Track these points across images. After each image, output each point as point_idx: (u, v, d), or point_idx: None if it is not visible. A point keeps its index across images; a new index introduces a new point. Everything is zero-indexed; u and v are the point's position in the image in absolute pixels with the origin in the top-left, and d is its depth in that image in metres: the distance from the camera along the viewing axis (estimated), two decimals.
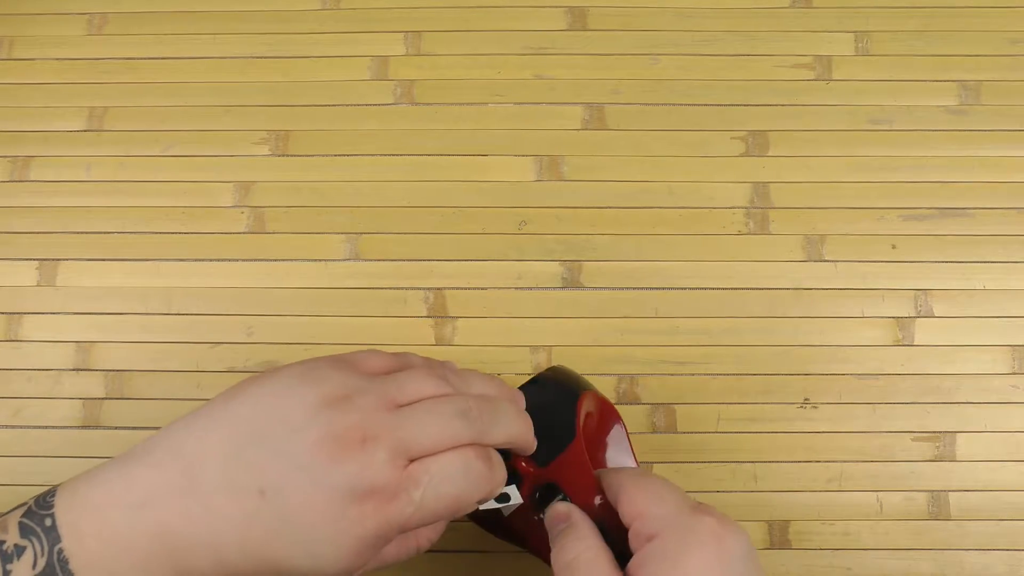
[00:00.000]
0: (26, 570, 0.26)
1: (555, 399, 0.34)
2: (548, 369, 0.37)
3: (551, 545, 0.31)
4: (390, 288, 0.45)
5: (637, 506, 0.29)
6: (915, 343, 0.44)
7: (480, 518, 0.36)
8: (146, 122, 0.47)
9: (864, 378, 0.44)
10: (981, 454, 0.43)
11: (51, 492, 0.28)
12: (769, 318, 0.44)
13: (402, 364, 0.31)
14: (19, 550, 0.26)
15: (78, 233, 0.46)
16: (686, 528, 0.27)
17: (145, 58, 0.49)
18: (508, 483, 0.32)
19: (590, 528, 0.30)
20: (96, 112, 0.48)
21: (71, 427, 0.44)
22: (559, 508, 0.31)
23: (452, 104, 0.48)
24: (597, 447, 0.36)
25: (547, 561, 0.32)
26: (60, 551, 0.26)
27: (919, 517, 0.42)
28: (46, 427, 0.44)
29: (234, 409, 0.28)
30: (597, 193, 0.46)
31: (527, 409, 0.33)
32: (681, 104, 0.47)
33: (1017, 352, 0.44)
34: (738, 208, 0.46)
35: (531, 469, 0.33)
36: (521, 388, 0.35)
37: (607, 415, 0.36)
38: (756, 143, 0.47)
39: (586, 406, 0.34)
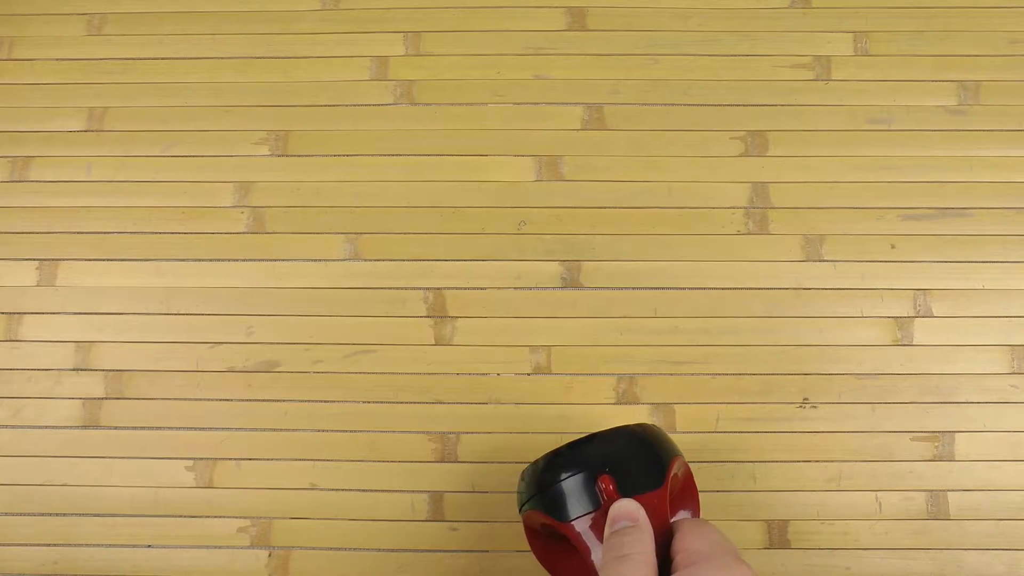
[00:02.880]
0: None
1: (658, 445, 0.34)
2: (651, 426, 0.36)
3: (606, 534, 0.31)
4: (390, 288, 0.45)
5: (687, 541, 0.30)
6: (914, 343, 0.44)
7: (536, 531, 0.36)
8: (146, 122, 0.48)
9: (863, 378, 0.44)
10: (980, 454, 0.43)
11: None
12: (768, 318, 0.44)
13: None
14: None
15: (78, 233, 0.46)
16: (723, 566, 0.29)
17: (145, 58, 0.49)
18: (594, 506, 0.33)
19: (651, 536, 0.31)
20: (96, 112, 0.48)
21: (71, 427, 0.44)
22: (628, 505, 0.32)
23: (452, 104, 0.48)
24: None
25: None
26: None
27: (918, 517, 0.42)
28: (46, 427, 0.44)
29: None
30: (597, 193, 0.46)
31: (634, 439, 0.34)
32: (680, 104, 0.47)
33: (1016, 352, 0.44)
34: (737, 208, 0.46)
35: (613, 494, 0.32)
36: (631, 426, 0.35)
37: (687, 494, 0.36)
38: (755, 143, 0.47)
39: (677, 467, 0.35)
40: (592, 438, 0.34)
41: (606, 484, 0.32)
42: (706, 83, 0.47)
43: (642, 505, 0.32)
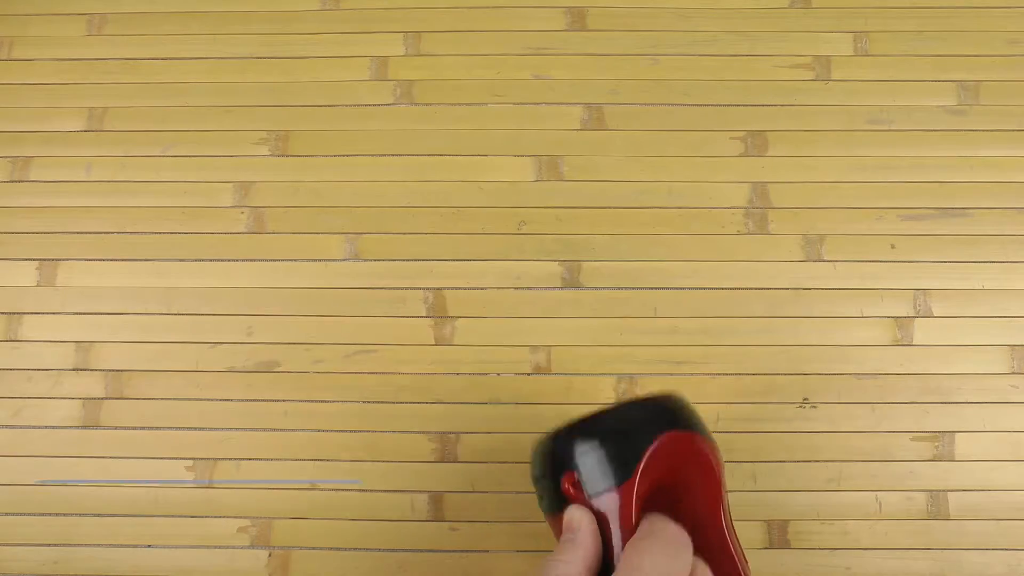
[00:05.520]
0: None
1: (631, 429, 0.31)
2: (662, 396, 0.33)
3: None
4: (390, 288, 0.45)
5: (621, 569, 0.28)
6: (914, 343, 0.44)
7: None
8: (146, 122, 0.48)
9: (863, 378, 0.44)
10: (980, 454, 0.43)
11: None
12: (768, 318, 0.44)
13: None
14: None
15: (78, 233, 0.46)
16: None
17: (145, 58, 0.49)
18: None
19: (585, 552, 0.29)
20: (96, 112, 0.48)
21: (71, 427, 0.44)
22: (574, 515, 0.31)
23: (452, 104, 0.48)
24: (662, 498, 0.31)
25: None
26: None
27: (918, 517, 0.42)
28: (46, 427, 0.44)
29: None
30: (596, 193, 0.46)
31: (604, 429, 0.31)
32: (680, 104, 0.47)
33: (1016, 352, 0.44)
34: (737, 208, 0.46)
35: (579, 497, 0.31)
36: (607, 409, 0.32)
37: (702, 476, 0.32)
38: (755, 143, 0.47)
39: (665, 448, 0.31)
40: (569, 426, 0.32)
41: (567, 483, 0.31)
42: (706, 83, 0.48)
43: (608, 501, 0.30)
